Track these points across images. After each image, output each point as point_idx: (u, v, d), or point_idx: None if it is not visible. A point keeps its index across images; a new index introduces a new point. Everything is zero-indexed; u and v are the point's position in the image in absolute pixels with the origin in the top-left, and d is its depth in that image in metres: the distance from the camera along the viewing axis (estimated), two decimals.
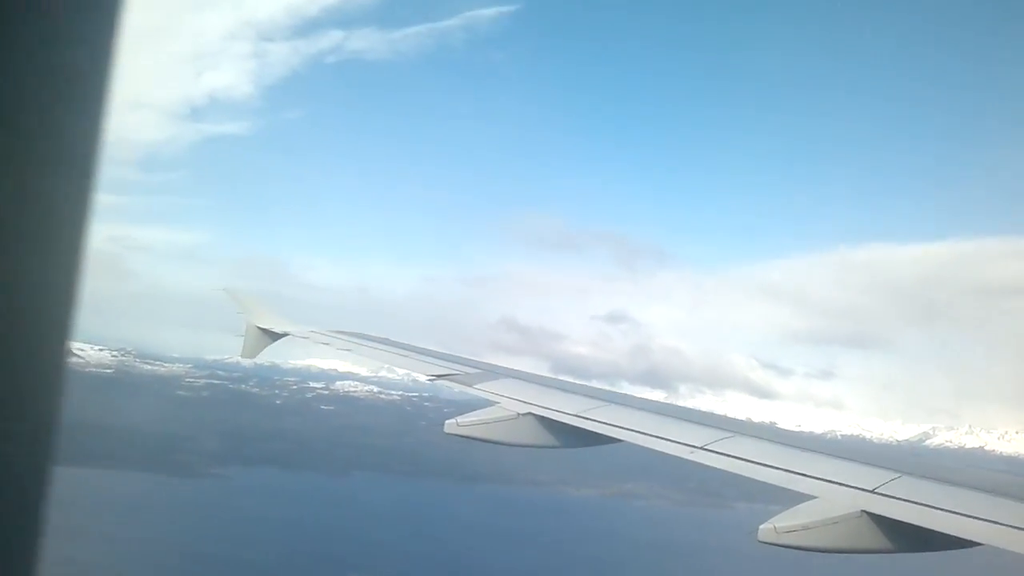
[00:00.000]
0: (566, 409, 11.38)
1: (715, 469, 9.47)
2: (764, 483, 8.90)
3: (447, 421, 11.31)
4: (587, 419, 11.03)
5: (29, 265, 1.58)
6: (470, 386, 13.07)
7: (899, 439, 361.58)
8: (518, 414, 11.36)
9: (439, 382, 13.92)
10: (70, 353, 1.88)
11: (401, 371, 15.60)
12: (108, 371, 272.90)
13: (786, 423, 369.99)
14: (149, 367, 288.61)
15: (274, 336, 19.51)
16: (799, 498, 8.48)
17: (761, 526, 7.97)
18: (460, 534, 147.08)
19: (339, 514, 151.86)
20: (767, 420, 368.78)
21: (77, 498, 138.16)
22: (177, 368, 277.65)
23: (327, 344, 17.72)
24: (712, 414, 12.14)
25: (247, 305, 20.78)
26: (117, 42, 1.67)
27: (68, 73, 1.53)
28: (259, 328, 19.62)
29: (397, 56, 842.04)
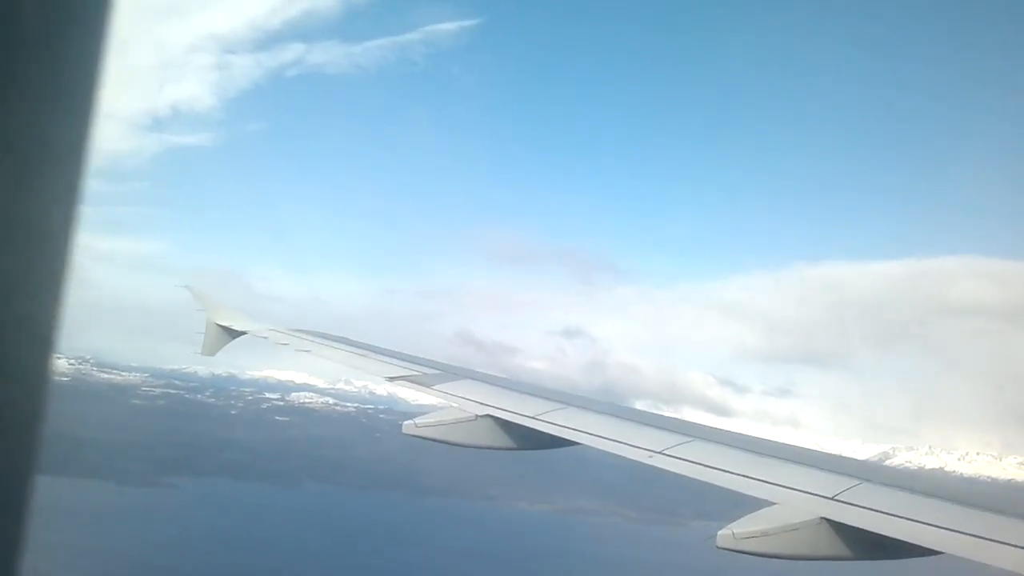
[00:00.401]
0: (524, 411, 11.26)
1: (673, 474, 9.42)
2: (722, 493, 8.87)
3: (405, 423, 11.25)
4: (545, 422, 10.96)
5: (15, 275, 1.57)
6: (428, 387, 12.86)
7: (858, 459, 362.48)
8: (476, 416, 11.23)
9: (397, 383, 13.66)
10: (55, 363, 1.79)
11: (358, 372, 15.53)
12: (64, 379, 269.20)
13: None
14: (106, 376, 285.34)
15: (234, 333, 19.42)
16: (757, 505, 8.46)
17: (720, 532, 7.92)
18: (408, 548, 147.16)
19: (286, 526, 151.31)
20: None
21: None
22: (134, 377, 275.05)
23: (286, 344, 17.51)
24: (672, 419, 12.13)
25: (208, 302, 20.55)
26: (105, 52, 1.62)
27: (54, 84, 1.52)
28: (219, 325, 19.53)
29: (358, 70, 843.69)
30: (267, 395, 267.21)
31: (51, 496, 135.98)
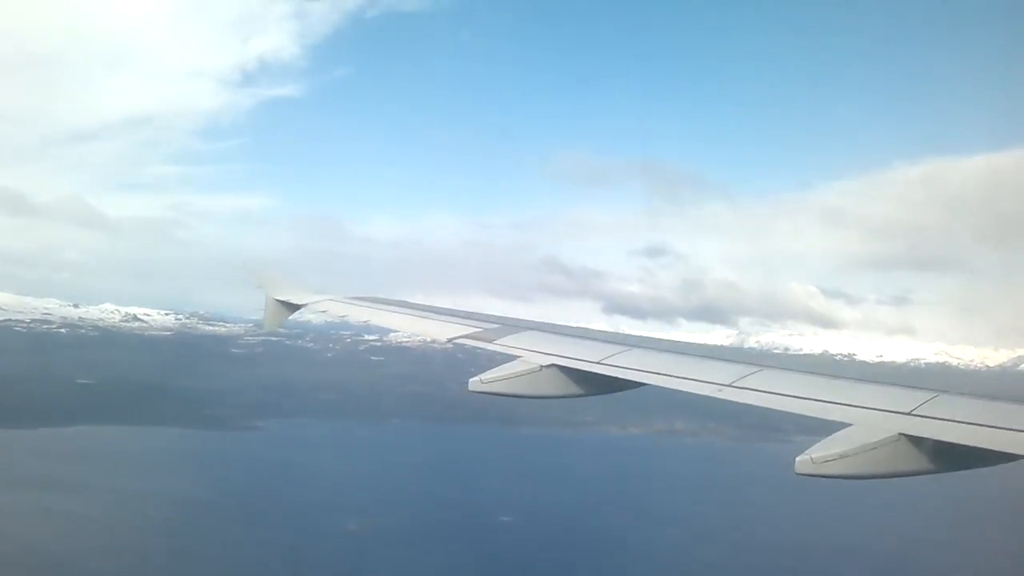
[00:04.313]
0: (588, 357, 11.07)
1: (746, 405, 9.17)
2: (797, 415, 8.61)
3: (471, 380, 10.68)
4: (610, 365, 10.77)
5: None
6: (491, 342, 12.58)
7: (990, 364, 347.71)
8: (541, 366, 10.94)
9: (459, 341, 13.37)
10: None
11: (419, 335, 15.77)
12: (167, 334, 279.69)
13: (862, 353, 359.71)
14: (211, 328, 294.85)
15: (292, 307, 19.44)
16: (833, 428, 8.15)
17: (797, 458, 7.60)
18: (487, 476, 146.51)
19: (360, 462, 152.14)
20: (823, 350, 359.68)
21: (104, 455, 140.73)
22: (237, 328, 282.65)
23: (345, 315, 17.71)
24: (739, 349, 14.66)
25: (265, 279, 21.07)
26: None
27: None
28: (278, 300, 19.71)
29: (434, 4, 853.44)
30: (366, 337, 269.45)
31: (129, 445, 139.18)
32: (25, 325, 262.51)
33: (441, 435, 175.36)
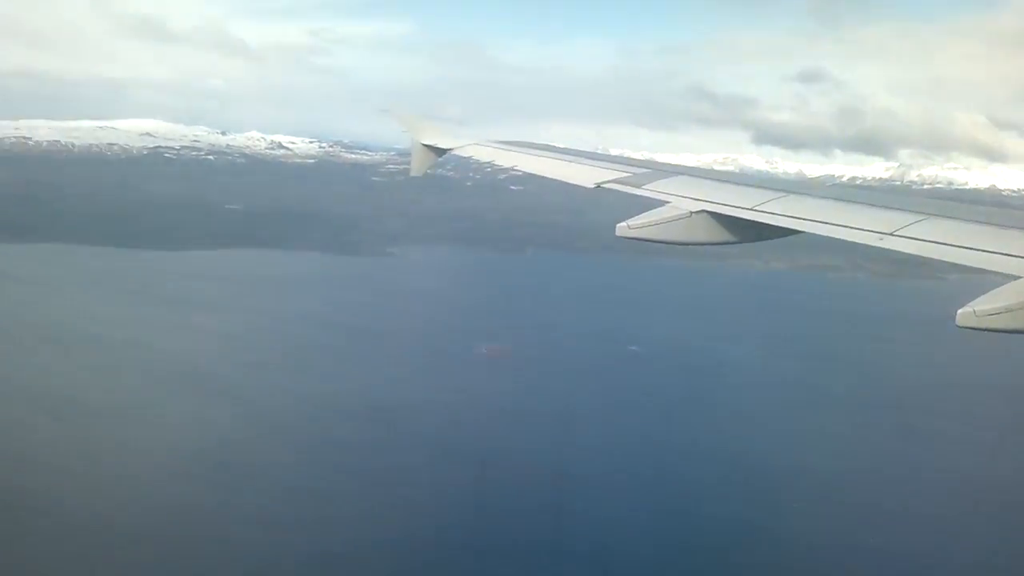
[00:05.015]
0: (741, 204, 10.98)
1: (907, 255, 9.00)
2: (962, 266, 8.38)
3: (619, 224, 10.86)
4: (764, 212, 10.62)
5: None
6: (639, 187, 12.59)
7: None
8: (690, 212, 10.95)
9: (607, 186, 13.27)
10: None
11: (565, 180, 15.03)
12: (311, 161, 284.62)
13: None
14: (353, 156, 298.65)
15: (440, 151, 19.93)
16: (998, 282, 7.85)
17: (959, 310, 7.46)
18: (620, 306, 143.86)
19: (493, 289, 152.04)
20: (990, 185, 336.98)
21: (247, 277, 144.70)
22: (380, 156, 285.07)
23: (490, 159, 18.05)
24: (901, 197, 11.72)
25: (411, 124, 21.42)
26: None
27: None
28: (424, 145, 20.10)
29: None
30: (505, 164, 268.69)
31: (267, 267, 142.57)
32: (175, 152, 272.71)
33: (576, 264, 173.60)
